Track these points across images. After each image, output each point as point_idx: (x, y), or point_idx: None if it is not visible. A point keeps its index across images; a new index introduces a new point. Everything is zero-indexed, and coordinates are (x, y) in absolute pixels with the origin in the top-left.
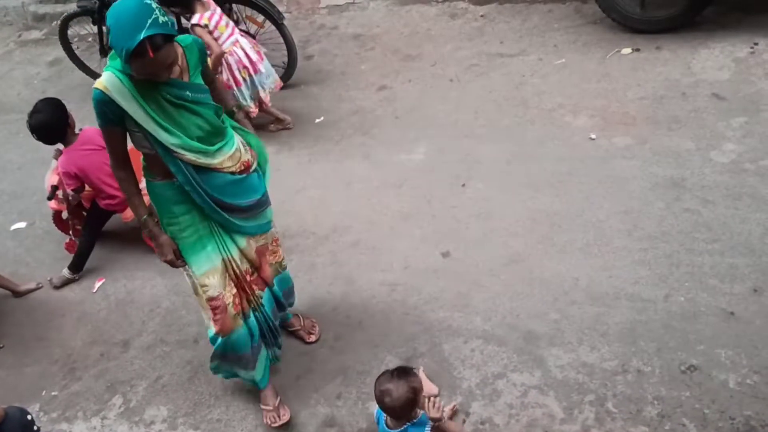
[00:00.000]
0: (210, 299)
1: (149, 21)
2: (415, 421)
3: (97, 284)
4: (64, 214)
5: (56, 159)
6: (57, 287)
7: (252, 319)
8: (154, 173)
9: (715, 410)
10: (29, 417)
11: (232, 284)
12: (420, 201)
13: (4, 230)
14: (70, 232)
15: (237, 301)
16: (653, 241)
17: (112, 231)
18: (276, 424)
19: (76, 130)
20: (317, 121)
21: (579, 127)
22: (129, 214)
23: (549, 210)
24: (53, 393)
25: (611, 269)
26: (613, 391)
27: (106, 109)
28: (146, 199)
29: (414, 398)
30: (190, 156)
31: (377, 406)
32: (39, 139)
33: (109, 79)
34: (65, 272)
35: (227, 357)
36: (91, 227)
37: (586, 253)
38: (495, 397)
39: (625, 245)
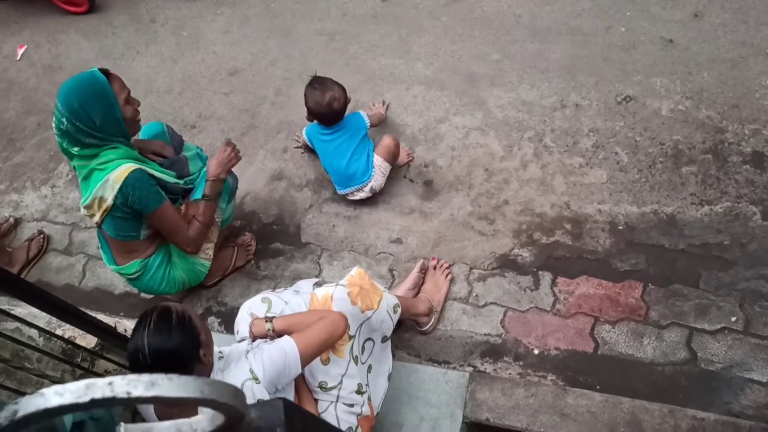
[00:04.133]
0: None
1: None
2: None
3: (20, 51)
4: None
5: None
6: None
7: None
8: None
9: (647, 137)
10: None
11: None
12: None
13: None
14: None
15: None
16: None
17: None
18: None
19: None
20: None
21: None
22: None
23: None
24: None
25: (554, 3)
26: (551, 127)
27: (152, 185)
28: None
29: (344, 94)
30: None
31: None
32: None
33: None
34: None
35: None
36: None
37: None
38: (438, 140)
39: None
